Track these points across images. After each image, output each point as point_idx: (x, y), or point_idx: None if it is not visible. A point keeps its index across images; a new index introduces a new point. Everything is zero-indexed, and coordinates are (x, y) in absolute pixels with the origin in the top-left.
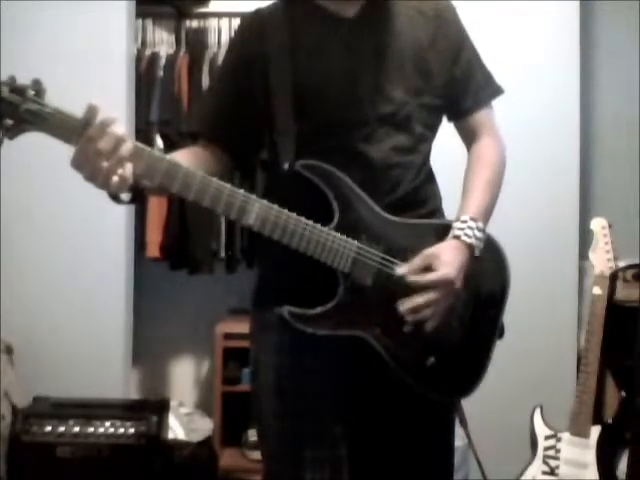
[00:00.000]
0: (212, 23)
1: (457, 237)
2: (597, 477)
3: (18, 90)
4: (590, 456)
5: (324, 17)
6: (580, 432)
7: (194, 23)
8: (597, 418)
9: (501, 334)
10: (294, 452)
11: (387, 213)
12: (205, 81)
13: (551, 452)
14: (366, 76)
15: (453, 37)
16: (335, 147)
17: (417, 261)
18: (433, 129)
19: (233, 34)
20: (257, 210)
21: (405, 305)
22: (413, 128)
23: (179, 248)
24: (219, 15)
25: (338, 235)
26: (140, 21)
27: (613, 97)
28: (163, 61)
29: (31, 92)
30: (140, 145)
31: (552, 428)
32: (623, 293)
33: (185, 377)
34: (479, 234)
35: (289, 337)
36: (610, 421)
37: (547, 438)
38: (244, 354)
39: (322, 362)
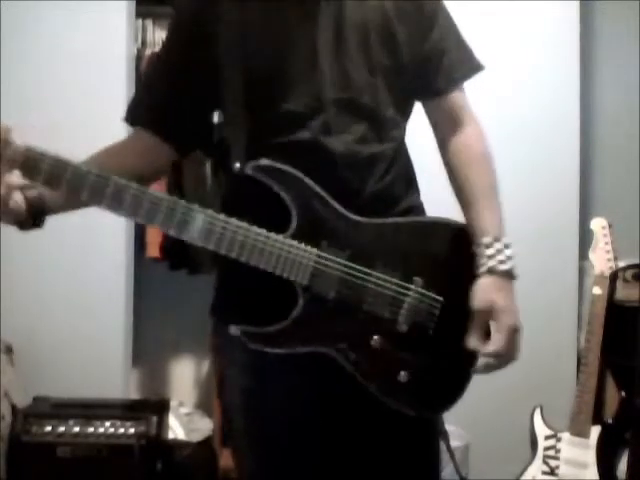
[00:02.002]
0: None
1: (492, 270)
2: (597, 477)
3: None
4: (590, 456)
5: None
6: (580, 432)
7: None
8: (597, 418)
9: None
10: (264, 469)
11: (354, 214)
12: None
13: (551, 452)
14: (324, 54)
15: (421, 9)
16: (291, 141)
17: (476, 325)
18: (405, 113)
19: (175, 14)
20: (200, 223)
21: (474, 345)
22: (381, 113)
23: (179, 248)
24: None
25: (295, 244)
26: (140, 21)
27: (613, 97)
28: None
29: None
30: (61, 159)
31: (552, 428)
32: (623, 293)
33: (185, 377)
34: (509, 252)
35: (249, 354)
36: (610, 421)
37: (547, 438)
38: None
39: (286, 380)
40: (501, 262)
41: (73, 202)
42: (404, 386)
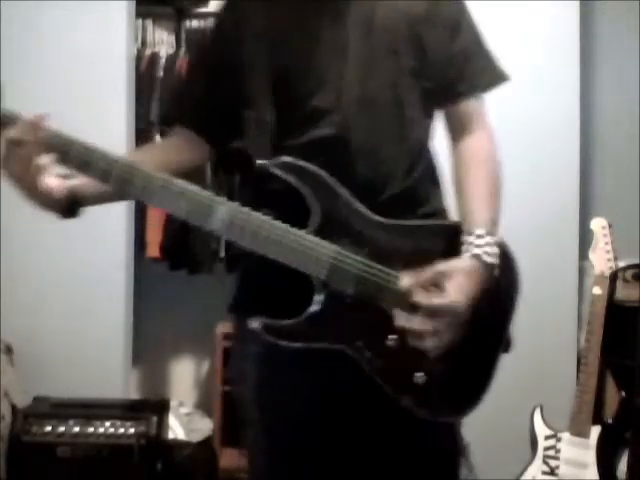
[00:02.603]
0: (212, 23)
1: (477, 257)
2: (597, 477)
3: None
4: (590, 456)
5: None
6: (580, 432)
7: (194, 23)
8: (597, 418)
9: (507, 348)
10: (274, 464)
11: (376, 214)
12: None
13: (551, 452)
14: (351, 54)
15: (450, 13)
16: (314, 138)
17: (425, 275)
18: (429, 115)
19: (214, 17)
20: (223, 214)
21: (401, 322)
22: (405, 114)
23: (179, 248)
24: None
25: (315, 239)
26: (140, 21)
27: (613, 97)
28: (163, 61)
29: None
30: (93, 148)
31: (552, 428)
32: (623, 293)
33: (185, 377)
34: (497, 251)
35: (266, 348)
36: (610, 421)
37: (547, 438)
38: None
39: (301, 375)
40: (487, 254)
41: (106, 193)
42: (419, 387)
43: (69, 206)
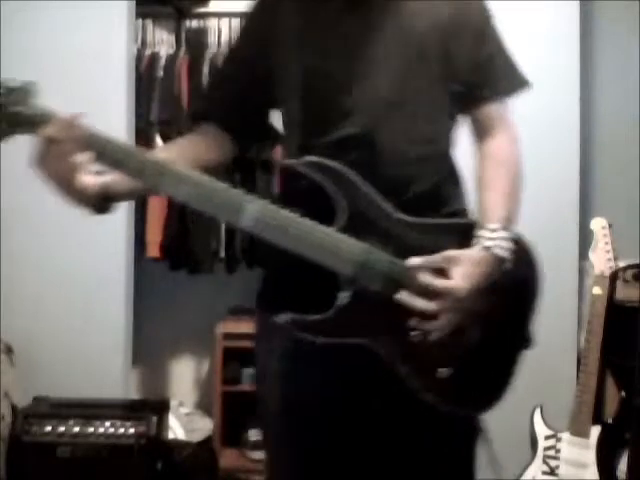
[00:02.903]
0: (212, 23)
1: (487, 248)
2: (597, 477)
3: (7, 92)
4: (590, 456)
5: None
6: (580, 432)
7: (194, 23)
8: (597, 418)
9: (528, 344)
10: (298, 461)
11: (401, 212)
12: (205, 81)
13: (551, 452)
14: (382, 58)
15: (476, 21)
16: (342, 138)
17: (434, 259)
18: (454, 119)
19: (245, 17)
20: (253, 211)
21: (403, 297)
22: (431, 117)
23: (179, 248)
24: (219, 15)
25: (343, 236)
26: (140, 21)
27: (613, 97)
28: (163, 61)
29: (19, 94)
30: (126, 146)
31: (552, 428)
32: (623, 293)
33: (185, 377)
34: (510, 245)
35: (292, 343)
36: (610, 421)
37: (547, 438)
38: (244, 354)
39: (326, 370)
40: (500, 248)
41: (138, 189)
42: (442, 382)
43: (102, 202)
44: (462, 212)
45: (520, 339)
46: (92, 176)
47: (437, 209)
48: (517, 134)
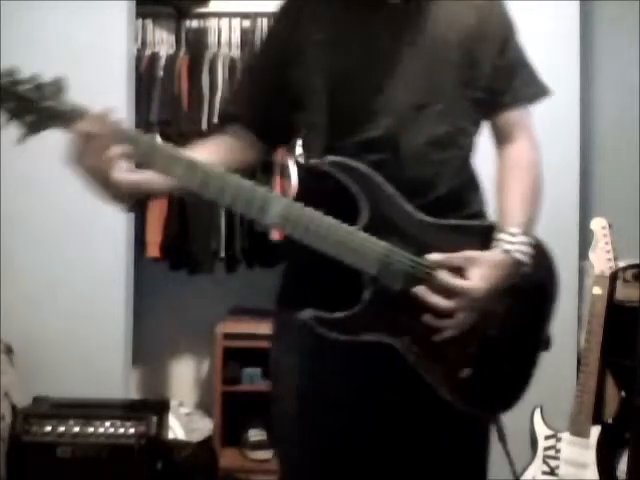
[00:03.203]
0: (212, 23)
1: (507, 252)
2: (597, 477)
3: (38, 87)
4: (590, 456)
5: (368, 1)
6: (580, 432)
7: (194, 23)
8: (597, 418)
9: (547, 346)
10: (314, 458)
11: (422, 213)
12: (205, 81)
13: (551, 452)
14: (407, 63)
15: (501, 28)
16: (366, 139)
17: (454, 257)
18: (476, 124)
19: (271, 20)
20: (278, 209)
21: (420, 291)
22: (455, 121)
23: (179, 248)
24: (219, 15)
25: (366, 236)
26: (140, 21)
27: (613, 97)
28: (163, 61)
29: (51, 89)
30: (157, 143)
31: (552, 428)
32: (623, 293)
33: (185, 377)
34: (530, 250)
35: (312, 340)
36: (610, 421)
37: (547, 438)
38: (244, 354)
39: (346, 367)
40: (520, 252)
41: (168, 186)
42: (463, 382)
43: (135, 199)
44: (482, 214)
45: (538, 341)
46: (127, 172)
47: (458, 211)
48: (537, 141)
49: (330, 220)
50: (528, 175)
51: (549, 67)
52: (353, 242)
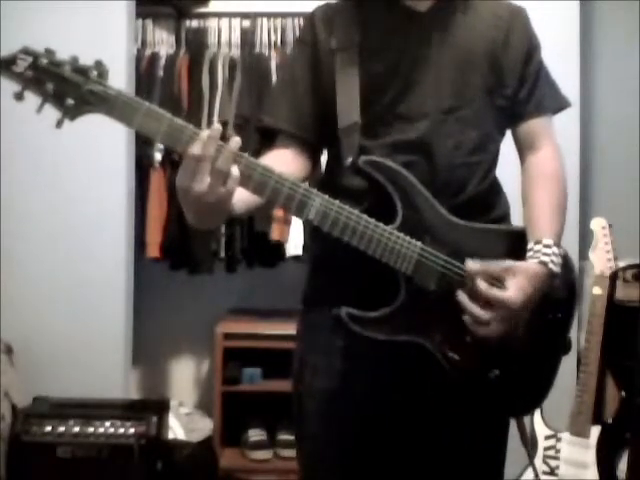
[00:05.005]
0: (212, 23)
1: (544, 264)
2: (597, 477)
3: (81, 70)
4: (590, 456)
5: (397, 10)
6: (580, 432)
7: (194, 23)
8: (597, 418)
9: (567, 349)
10: (338, 457)
11: (453, 215)
12: (205, 81)
13: (551, 452)
14: (437, 69)
15: (525, 40)
16: (400, 141)
17: (492, 266)
18: (501, 131)
19: (301, 28)
20: (318, 205)
21: (462, 299)
22: (483, 126)
23: (179, 248)
24: (219, 15)
25: (401, 235)
26: (140, 21)
27: (613, 97)
28: (163, 61)
29: (94, 73)
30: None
31: (552, 428)
32: (623, 293)
33: (185, 377)
34: (561, 261)
35: (341, 339)
36: (610, 421)
37: (547, 438)
38: (244, 354)
39: (375, 367)
40: (553, 263)
41: (255, 204)
42: (492, 384)
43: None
44: (507, 217)
45: (561, 345)
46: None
47: (485, 214)
48: (559, 150)
49: (367, 218)
50: (555, 185)
51: (549, 68)
52: (390, 241)
